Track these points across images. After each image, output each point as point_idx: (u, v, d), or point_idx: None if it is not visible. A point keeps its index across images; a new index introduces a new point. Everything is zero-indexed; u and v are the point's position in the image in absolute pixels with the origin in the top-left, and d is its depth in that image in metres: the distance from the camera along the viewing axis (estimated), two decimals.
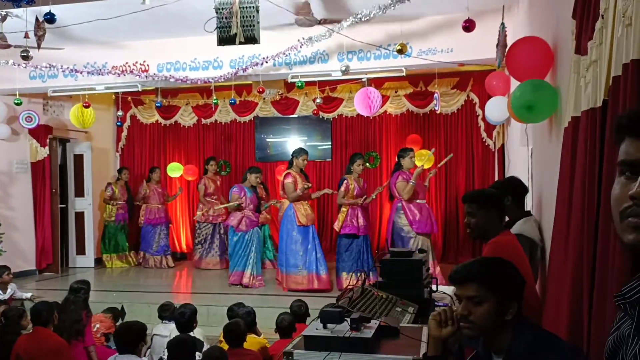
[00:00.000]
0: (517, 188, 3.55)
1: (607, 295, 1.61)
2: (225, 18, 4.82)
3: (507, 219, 3.42)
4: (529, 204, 4.13)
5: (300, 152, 6.82)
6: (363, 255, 6.52)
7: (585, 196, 1.92)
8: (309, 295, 5.91)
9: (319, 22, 5.88)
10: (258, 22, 4.86)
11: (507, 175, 6.83)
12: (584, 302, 1.83)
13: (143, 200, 8.82)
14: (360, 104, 6.37)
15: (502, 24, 4.14)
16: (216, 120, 9.37)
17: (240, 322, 3.82)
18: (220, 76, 6.60)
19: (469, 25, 4.78)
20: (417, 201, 6.37)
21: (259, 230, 7.23)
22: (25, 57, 5.57)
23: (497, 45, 4.82)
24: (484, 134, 8.05)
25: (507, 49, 3.75)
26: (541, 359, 1.57)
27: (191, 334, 3.98)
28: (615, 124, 1.00)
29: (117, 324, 4.90)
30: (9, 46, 5.71)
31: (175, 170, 9.12)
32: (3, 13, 5.36)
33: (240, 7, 4.80)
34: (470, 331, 1.69)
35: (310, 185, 6.73)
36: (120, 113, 8.63)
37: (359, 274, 6.42)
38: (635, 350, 0.93)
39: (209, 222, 8.53)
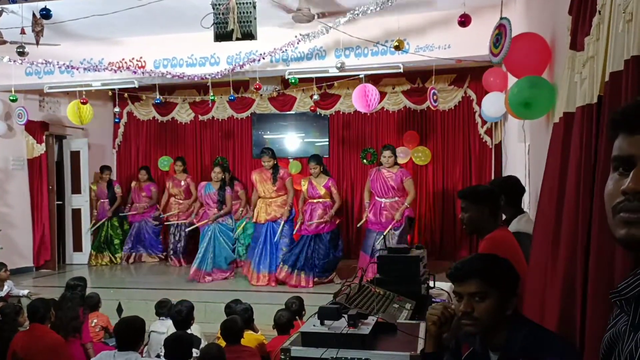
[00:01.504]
0: (512, 187, 3.53)
1: (602, 292, 1.61)
2: (222, 14, 4.81)
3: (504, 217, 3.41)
4: (526, 200, 4.13)
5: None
6: (304, 253, 6.62)
7: (579, 194, 1.91)
8: (308, 293, 5.93)
9: (316, 18, 5.86)
10: (255, 18, 4.85)
11: (504, 171, 6.84)
12: (577, 299, 1.82)
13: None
14: (358, 100, 6.36)
15: (507, 18, 4.09)
16: (213, 117, 9.33)
17: (238, 319, 3.82)
18: (217, 73, 6.58)
19: (464, 20, 4.77)
20: (377, 198, 6.59)
21: (219, 226, 7.16)
22: (22, 53, 5.56)
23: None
24: (481, 131, 8.05)
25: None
26: (538, 355, 1.57)
27: (188, 330, 3.98)
28: (609, 119, 1.00)
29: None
30: (4, 42, 5.69)
31: (166, 164, 9.20)
32: None
33: (237, 3, 4.79)
34: (473, 328, 1.67)
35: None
36: (117, 109, 8.59)
37: (334, 273, 6.62)
38: (631, 346, 0.93)
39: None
